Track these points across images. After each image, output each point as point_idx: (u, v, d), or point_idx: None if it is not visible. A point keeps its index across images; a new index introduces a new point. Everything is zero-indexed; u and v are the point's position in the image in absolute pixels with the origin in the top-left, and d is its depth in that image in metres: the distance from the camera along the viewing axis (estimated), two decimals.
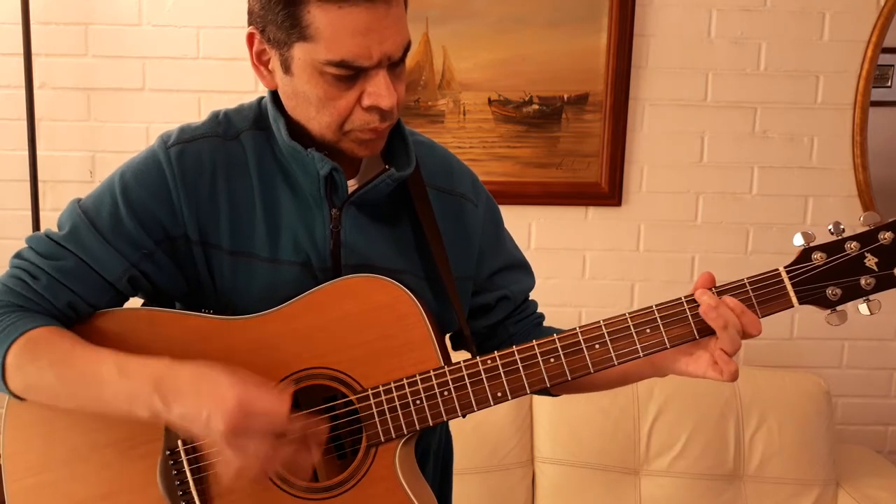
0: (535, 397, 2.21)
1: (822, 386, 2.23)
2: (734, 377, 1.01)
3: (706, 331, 1.02)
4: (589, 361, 1.04)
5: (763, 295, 1.02)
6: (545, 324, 1.30)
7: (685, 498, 2.15)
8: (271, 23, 0.98)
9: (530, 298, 1.30)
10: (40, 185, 2.25)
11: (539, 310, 1.31)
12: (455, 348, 1.21)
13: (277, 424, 0.94)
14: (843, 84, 2.34)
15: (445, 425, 1.28)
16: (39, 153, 2.24)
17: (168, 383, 0.96)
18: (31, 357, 0.99)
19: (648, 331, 1.03)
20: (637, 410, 2.18)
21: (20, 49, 2.15)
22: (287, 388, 1.03)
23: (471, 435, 2.11)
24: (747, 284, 1.02)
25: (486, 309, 1.24)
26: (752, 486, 2.17)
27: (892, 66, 2.35)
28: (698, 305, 1.02)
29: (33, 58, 2.18)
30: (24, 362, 0.99)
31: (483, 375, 1.05)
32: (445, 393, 1.04)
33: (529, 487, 2.19)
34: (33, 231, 2.21)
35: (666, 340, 1.03)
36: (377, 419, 1.04)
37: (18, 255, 1.07)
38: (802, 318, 2.43)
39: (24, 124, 2.20)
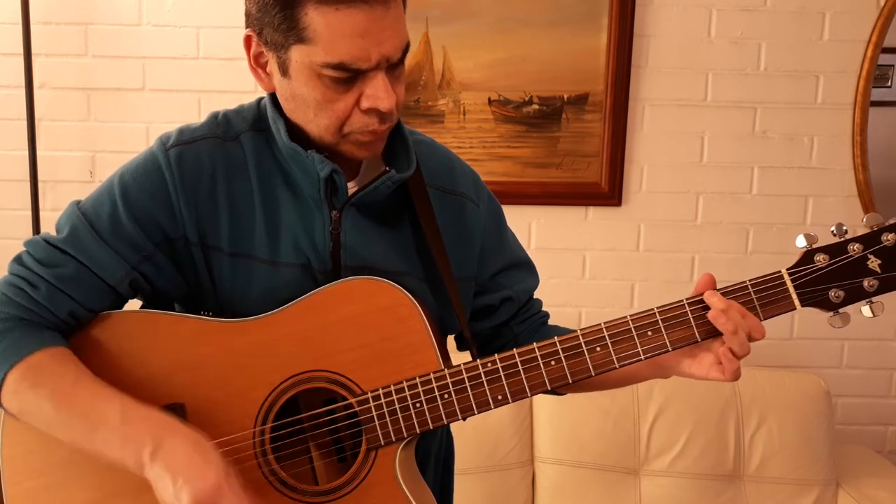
0: (536, 397, 2.21)
1: (822, 386, 2.22)
2: (737, 376, 1.01)
3: (709, 333, 1.02)
4: (590, 364, 1.03)
5: (765, 297, 1.01)
6: (549, 322, 1.29)
7: (685, 498, 2.15)
8: (268, 25, 0.97)
9: (535, 297, 1.29)
10: (40, 185, 2.25)
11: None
12: (459, 349, 1.20)
13: None
14: (843, 84, 2.34)
15: (446, 427, 1.27)
16: (39, 153, 2.24)
17: (167, 441, 0.95)
18: (31, 384, 0.98)
19: (650, 333, 1.03)
20: (637, 410, 2.18)
21: (20, 49, 2.14)
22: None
23: (471, 435, 2.11)
24: (749, 286, 1.02)
25: (491, 310, 1.23)
26: (752, 486, 2.17)
27: (892, 66, 2.34)
28: (701, 308, 1.02)
29: (33, 58, 2.17)
30: (23, 388, 0.98)
31: (483, 378, 1.04)
32: (445, 396, 1.04)
33: (529, 487, 2.19)
34: (33, 231, 2.21)
35: (667, 343, 1.02)
36: (377, 422, 1.04)
37: (17, 261, 1.05)
38: (803, 319, 2.43)
39: (24, 124, 2.19)
